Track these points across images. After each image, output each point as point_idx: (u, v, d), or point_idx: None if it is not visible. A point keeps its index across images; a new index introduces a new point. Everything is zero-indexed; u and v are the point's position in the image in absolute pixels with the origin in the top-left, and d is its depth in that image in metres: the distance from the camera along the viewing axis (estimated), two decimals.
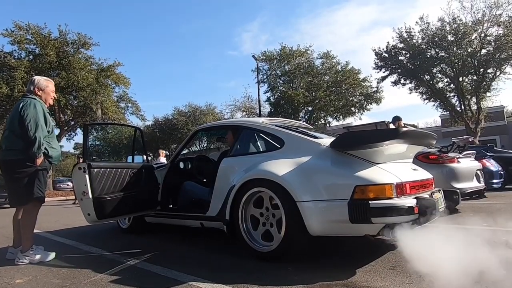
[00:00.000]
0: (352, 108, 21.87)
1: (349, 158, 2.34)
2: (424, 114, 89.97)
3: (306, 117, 23.07)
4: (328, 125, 23.73)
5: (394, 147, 2.40)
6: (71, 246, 3.46)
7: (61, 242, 3.70)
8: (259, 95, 22.07)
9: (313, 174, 2.33)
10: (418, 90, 19.39)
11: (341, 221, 2.16)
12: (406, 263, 2.31)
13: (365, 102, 21.55)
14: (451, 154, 4.48)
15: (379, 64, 19.26)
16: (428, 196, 2.39)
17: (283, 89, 22.04)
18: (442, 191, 2.76)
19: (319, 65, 22.32)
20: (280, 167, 2.44)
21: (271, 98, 23.01)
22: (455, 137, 5.03)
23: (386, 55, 18.85)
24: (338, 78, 21.24)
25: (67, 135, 20.02)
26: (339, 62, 21.84)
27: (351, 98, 21.73)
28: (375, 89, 21.02)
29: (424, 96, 19.44)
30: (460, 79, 17.52)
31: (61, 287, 2.12)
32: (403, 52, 18.46)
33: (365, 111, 21.81)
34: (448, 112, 19.67)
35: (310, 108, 22.45)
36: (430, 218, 2.28)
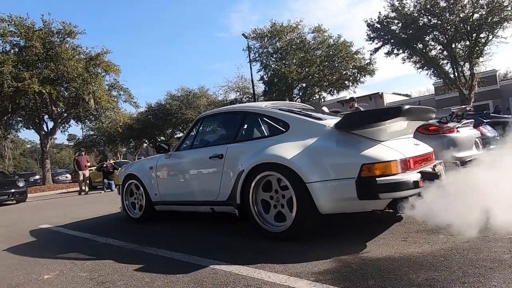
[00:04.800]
0: (346, 82, 21.76)
1: (354, 137, 2.41)
2: (418, 83, 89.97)
3: (300, 93, 22.98)
4: (322, 100, 23.71)
5: (396, 124, 2.46)
6: (87, 239, 3.54)
7: (77, 236, 3.78)
8: (251, 74, 21.88)
9: (321, 155, 2.40)
10: (411, 60, 19.29)
11: (350, 198, 2.25)
12: (416, 233, 2.44)
13: (358, 75, 21.41)
14: (450, 124, 4.55)
15: (372, 35, 19.01)
16: (431, 170, 2.49)
17: (276, 66, 21.75)
18: (442, 163, 2.85)
19: (311, 40, 21.99)
20: (287, 150, 2.50)
21: (265, 76, 22.75)
22: (454, 107, 5.11)
23: (378, 25, 18.56)
24: (331, 52, 21.01)
25: (60, 127, 19.85)
26: (331, 35, 21.53)
27: (345, 72, 21.57)
28: (368, 61, 20.87)
29: (418, 65, 19.38)
30: (453, 45, 17.43)
31: (90, 280, 2.20)
32: (395, 21, 18.20)
33: (359, 83, 21.77)
34: (441, 80, 19.72)
35: (304, 85, 22.32)
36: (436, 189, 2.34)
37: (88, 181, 11.83)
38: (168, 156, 3.72)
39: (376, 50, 19.55)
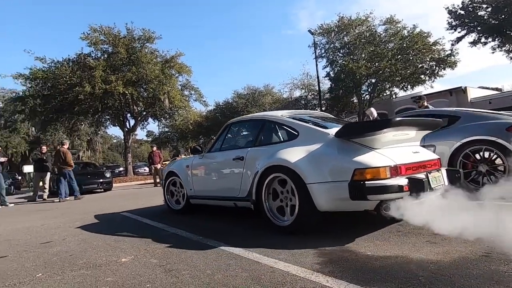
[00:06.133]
0: (422, 76, 19.94)
1: (352, 145, 2.69)
2: (510, 74, 77.70)
3: (369, 90, 21.80)
4: (394, 97, 22.15)
5: (395, 134, 2.71)
6: (159, 228, 3.85)
7: (151, 225, 4.14)
8: (317, 71, 21.56)
9: (321, 160, 2.74)
10: (504, 48, 17.03)
11: (344, 199, 2.55)
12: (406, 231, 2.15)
13: (437, 68, 19.45)
14: None
15: (454, 23, 17.23)
16: (422, 176, 2.65)
17: (343, 62, 20.93)
18: (443, 170, 3.06)
19: (382, 32, 20.66)
20: (293, 155, 2.87)
21: (331, 73, 22.10)
22: None
23: (462, 12, 16.72)
24: (405, 44, 19.43)
25: (140, 124, 21.95)
26: (405, 26, 19.93)
27: (421, 65, 19.78)
28: (449, 52, 18.80)
29: (511, 55, 16.97)
30: None
31: (159, 266, 2.40)
32: (484, 6, 16.18)
33: (438, 77, 19.74)
34: None
35: (373, 80, 21.08)
36: (422, 194, 2.51)
37: (161, 174, 12.92)
38: (201, 157, 4.27)
39: (459, 39, 17.69)
